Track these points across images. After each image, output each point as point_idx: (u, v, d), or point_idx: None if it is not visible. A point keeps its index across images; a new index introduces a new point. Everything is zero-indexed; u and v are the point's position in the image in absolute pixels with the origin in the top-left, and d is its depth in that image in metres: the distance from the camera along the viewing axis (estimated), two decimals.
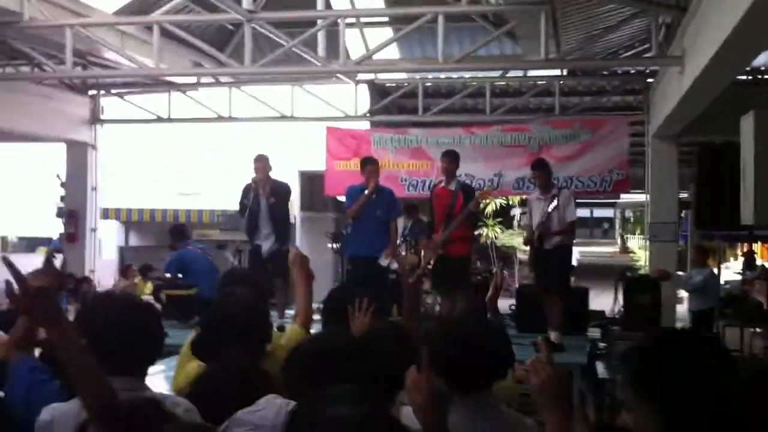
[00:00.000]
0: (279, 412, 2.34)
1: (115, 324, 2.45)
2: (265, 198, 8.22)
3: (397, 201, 8.65)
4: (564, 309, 7.51)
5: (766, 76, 9.76)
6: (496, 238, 22.09)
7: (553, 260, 7.53)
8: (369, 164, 8.30)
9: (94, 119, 12.42)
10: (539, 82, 11.12)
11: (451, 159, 8.16)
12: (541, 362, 2.03)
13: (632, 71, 10.97)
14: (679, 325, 9.24)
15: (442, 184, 8.21)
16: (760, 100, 3.73)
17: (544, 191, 7.71)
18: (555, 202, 7.46)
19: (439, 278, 8.10)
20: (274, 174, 8.52)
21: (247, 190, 8.33)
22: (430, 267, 8.04)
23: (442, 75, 11.28)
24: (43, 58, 8.97)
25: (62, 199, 13.10)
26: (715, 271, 9.90)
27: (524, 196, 19.86)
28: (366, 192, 8.07)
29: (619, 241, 45.01)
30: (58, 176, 13.40)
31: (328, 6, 8.12)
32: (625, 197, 25.94)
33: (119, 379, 2.32)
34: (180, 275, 9.35)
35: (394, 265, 10.06)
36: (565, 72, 10.60)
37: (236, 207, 8.70)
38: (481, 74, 10.96)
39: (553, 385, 1.98)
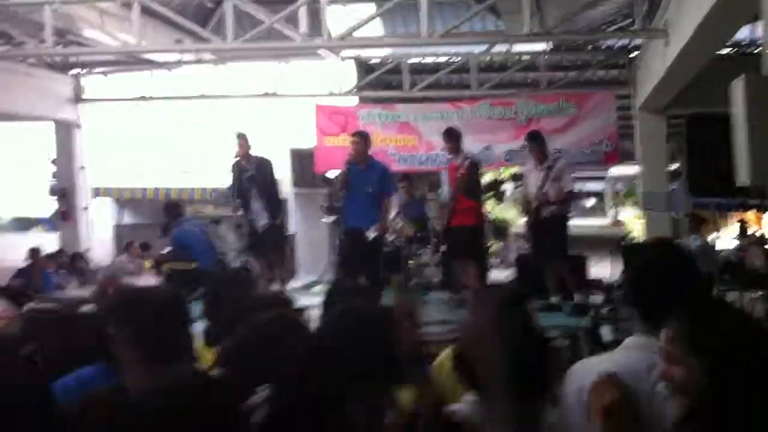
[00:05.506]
0: None
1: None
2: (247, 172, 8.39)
3: (391, 178, 8.60)
4: (569, 271, 7.76)
5: (749, 50, 9.71)
6: (490, 212, 22.11)
7: (551, 228, 7.68)
8: (351, 136, 8.46)
9: (77, 98, 12.35)
10: (524, 58, 11.06)
11: (447, 137, 8.44)
12: (605, 384, 1.86)
13: (615, 46, 10.90)
14: None
15: (453, 160, 8.52)
16: (746, 70, 3.76)
17: (539, 162, 7.78)
18: (551, 173, 7.59)
19: (449, 249, 8.69)
20: (267, 152, 8.68)
21: (233, 169, 8.52)
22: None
23: (427, 52, 11.20)
24: (25, 38, 8.87)
25: (54, 177, 13.14)
26: (710, 238, 9.91)
27: (515, 171, 19.98)
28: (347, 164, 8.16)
29: (610, 213, 44.93)
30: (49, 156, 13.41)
31: None
32: (615, 170, 25.92)
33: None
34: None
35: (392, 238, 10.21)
36: (549, 47, 10.54)
37: (227, 183, 8.88)
38: (464, 50, 10.89)
39: (619, 410, 1.79)
